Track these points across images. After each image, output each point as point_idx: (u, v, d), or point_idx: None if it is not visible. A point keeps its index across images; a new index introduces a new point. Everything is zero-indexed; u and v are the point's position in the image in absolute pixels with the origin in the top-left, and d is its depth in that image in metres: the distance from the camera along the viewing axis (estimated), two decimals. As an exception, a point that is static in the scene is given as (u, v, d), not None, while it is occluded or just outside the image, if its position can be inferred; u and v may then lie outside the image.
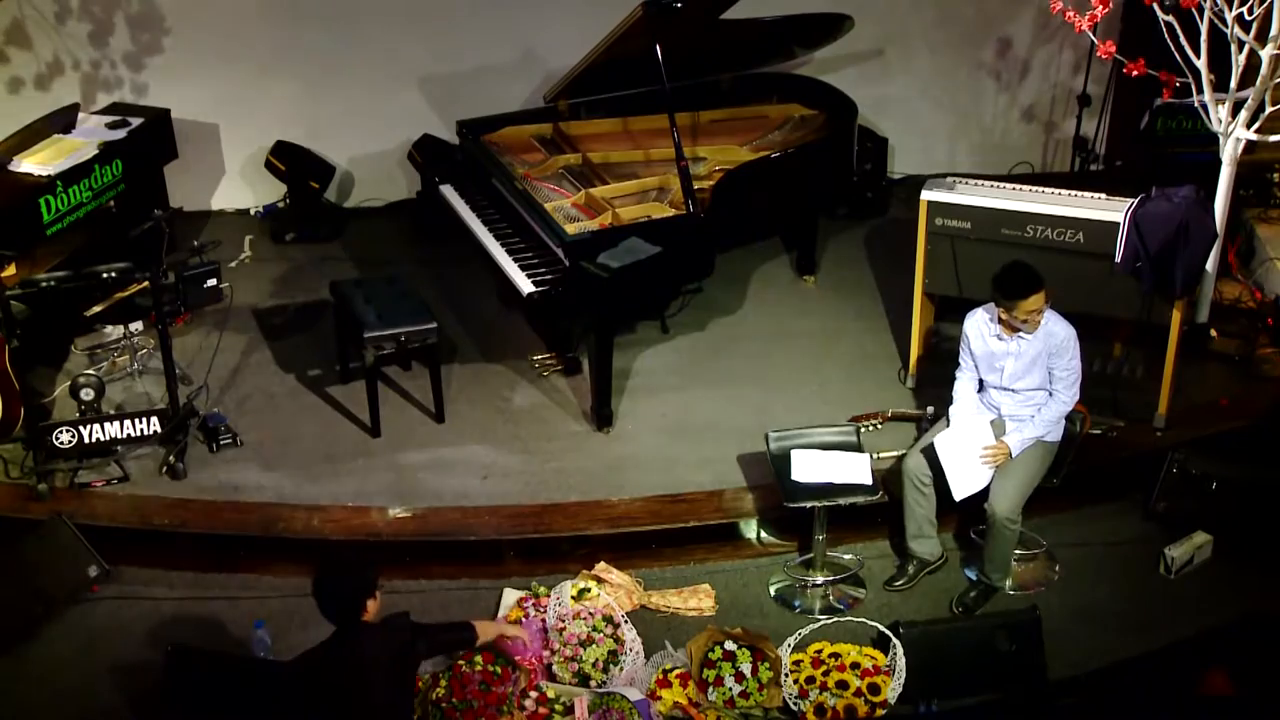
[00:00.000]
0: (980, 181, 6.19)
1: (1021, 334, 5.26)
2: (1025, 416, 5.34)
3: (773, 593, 5.54)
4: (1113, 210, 5.76)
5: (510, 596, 5.38)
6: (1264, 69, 5.82)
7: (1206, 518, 5.64)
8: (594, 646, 5.04)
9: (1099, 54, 6.01)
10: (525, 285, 6.07)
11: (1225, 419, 6.18)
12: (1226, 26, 5.76)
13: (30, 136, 6.94)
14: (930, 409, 6.00)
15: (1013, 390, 5.36)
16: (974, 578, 5.52)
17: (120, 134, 7.14)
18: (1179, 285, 5.72)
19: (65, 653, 5.23)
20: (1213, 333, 6.60)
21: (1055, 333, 5.25)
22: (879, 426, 6.14)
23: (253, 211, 8.25)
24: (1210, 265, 6.28)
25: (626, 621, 5.19)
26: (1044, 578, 5.55)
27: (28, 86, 7.75)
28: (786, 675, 5.01)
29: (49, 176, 6.63)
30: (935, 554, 5.52)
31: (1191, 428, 6.09)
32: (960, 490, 5.27)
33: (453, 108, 7.53)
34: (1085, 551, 5.66)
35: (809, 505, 5.33)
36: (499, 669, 4.89)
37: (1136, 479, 5.89)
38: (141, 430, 5.95)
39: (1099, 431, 5.99)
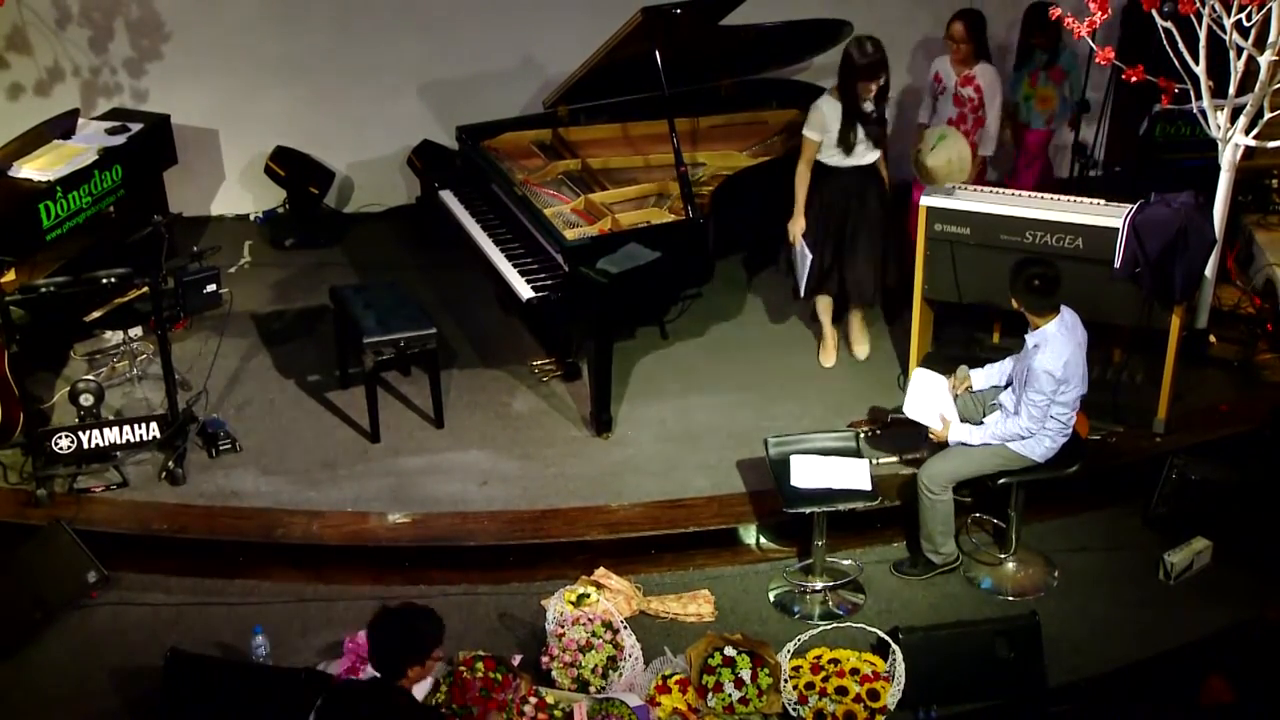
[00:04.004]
0: (979, 187, 6.20)
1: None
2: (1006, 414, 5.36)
3: (772, 598, 5.53)
4: (1112, 216, 5.77)
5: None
6: (1262, 75, 5.83)
7: (1206, 523, 5.64)
8: (593, 652, 5.03)
9: (1098, 60, 6.02)
10: (524, 291, 6.07)
11: (1225, 424, 6.18)
12: (1225, 33, 5.76)
13: (30, 142, 6.94)
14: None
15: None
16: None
17: (120, 139, 7.15)
18: (1178, 291, 5.73)
19: (64, 658, 5.22)
20: (1212, 338, 6.60)
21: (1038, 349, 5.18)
22: (878, 432, 6.14)
23: (252, 217, 8.25)
24: (1209, 271, 6.29)
25: (626, 627, 5.19)
26: (1043, 584, 5.54)
27: (28, 92, 7.77)
28: (786, 681, 5.00)
29: (49, 182, 6.63)
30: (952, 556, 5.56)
31: (1191, 433, 6.09)
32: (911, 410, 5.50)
33: (452, 113, 7.53)
34: (1085, 557, 5.66)
35: (808, 511, 5.33)
36: (499, 676, 4.88)
37: (1136, 484, 5.89)
38: (141, 436, 5.95)
39: (1099, 437, 5.99)
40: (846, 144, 6.18)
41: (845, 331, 6.76)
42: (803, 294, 6.54)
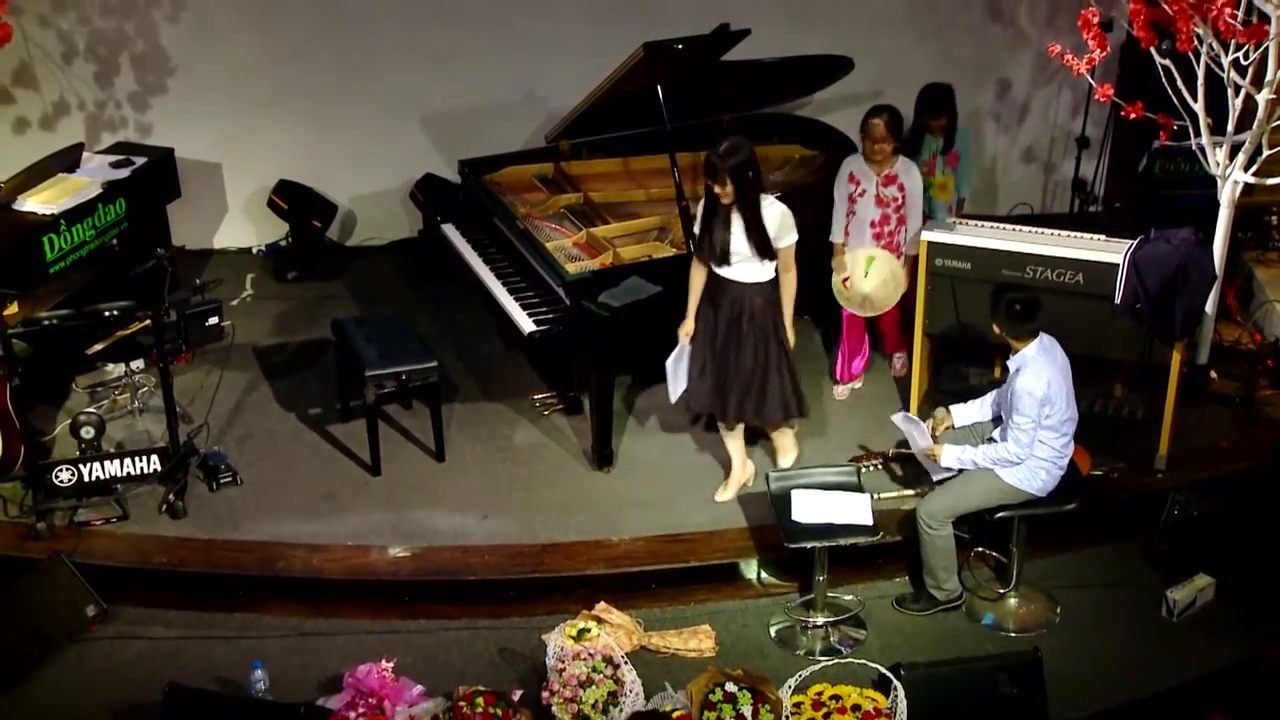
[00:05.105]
0: (980, 222, 6.22)
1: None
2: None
3: (773, 634, 5.51)
4: (1112, 252, 5.79)
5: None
6: (1260, 112, 5.86)
7: (1208, 560, 5.62)
8: (593, 688, 5.01)
9: (1097, 96, 6.05)
10: (526, 324, 6.08)
11: (1226, 460, 6.18)
12: (1223, 70, 5.80)
13: (35, 175, 6.97)
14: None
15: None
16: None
17: (124, 173, 7.18)
18: (1178, 327, 5.74)
19: (63, 692, 5.19)
20: (1213, 374, 6.61)
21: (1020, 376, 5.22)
22: (879, 467, 6.13)
23: (255, 250, 8.28)
24: (1209, 307, 6.30)
25: (626, 662, 5.16)
26: (1045, 620, 5.52)
27: (33, 126, 7.82)
28: (787, 717, 4.97)
29: (52, 215, 6.65)
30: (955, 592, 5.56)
31: (1192, 469, 6.08)
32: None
33: (455, 147, 7.58)
34: (1087, 593, 5.64)
35: (809, 546, 5.32)
36: (500, 711, 4.86)
37: (1138, 520, 5.88)
38: (141, 469, 5.94)
39: (1100, 472, 5.99)
40: (709, 245, 5.55)
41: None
42: (673, 400, 5.88)
